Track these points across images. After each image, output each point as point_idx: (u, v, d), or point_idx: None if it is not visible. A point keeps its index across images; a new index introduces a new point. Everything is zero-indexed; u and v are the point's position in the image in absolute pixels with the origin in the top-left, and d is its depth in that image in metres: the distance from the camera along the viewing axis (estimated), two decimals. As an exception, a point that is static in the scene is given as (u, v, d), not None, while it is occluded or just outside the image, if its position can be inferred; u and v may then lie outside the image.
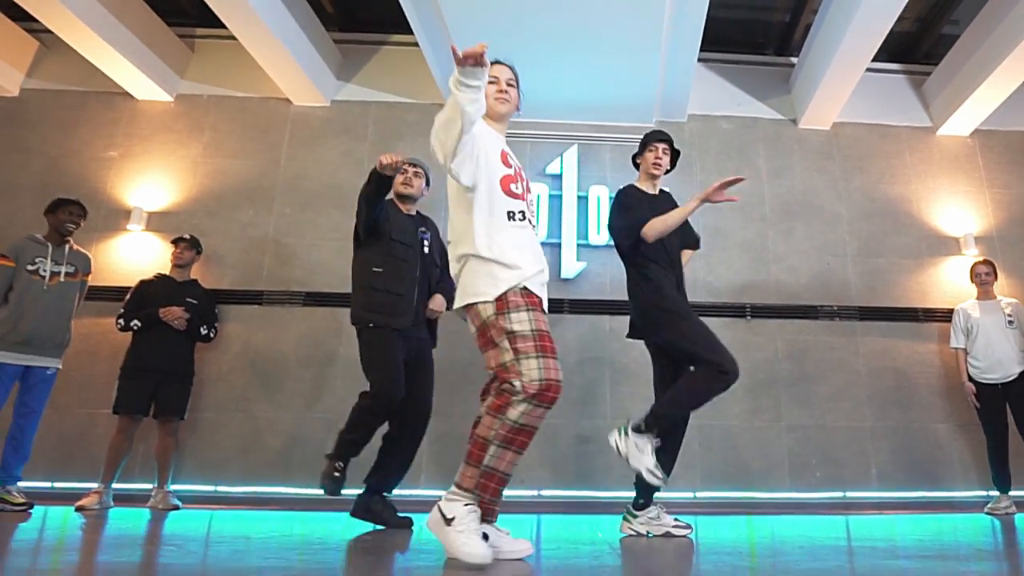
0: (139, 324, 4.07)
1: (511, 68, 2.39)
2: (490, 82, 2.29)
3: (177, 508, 3.99)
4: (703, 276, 4.90)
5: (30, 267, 3.83)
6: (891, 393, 4.79)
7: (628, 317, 3.11)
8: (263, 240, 4.83)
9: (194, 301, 4.27)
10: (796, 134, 5.30)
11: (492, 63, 2.25)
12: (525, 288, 2.14)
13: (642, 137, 3.26)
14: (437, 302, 3.36)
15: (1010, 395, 4.32)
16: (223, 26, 4.49)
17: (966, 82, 5.01)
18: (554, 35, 4.29)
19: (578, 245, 4.87)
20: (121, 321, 4.10)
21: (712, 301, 4.86)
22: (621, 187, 3.20)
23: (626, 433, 2.76)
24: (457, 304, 2.24)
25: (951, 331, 4.63)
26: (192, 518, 3.54)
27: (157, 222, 4.81)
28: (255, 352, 4.64)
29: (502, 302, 2.10)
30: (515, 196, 2.24)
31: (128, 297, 4.20)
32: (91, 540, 2.58)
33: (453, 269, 2.27)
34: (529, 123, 5.10)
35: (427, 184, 3.51)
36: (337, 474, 3.06)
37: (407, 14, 4.24)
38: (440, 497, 2.07)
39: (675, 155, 3.25)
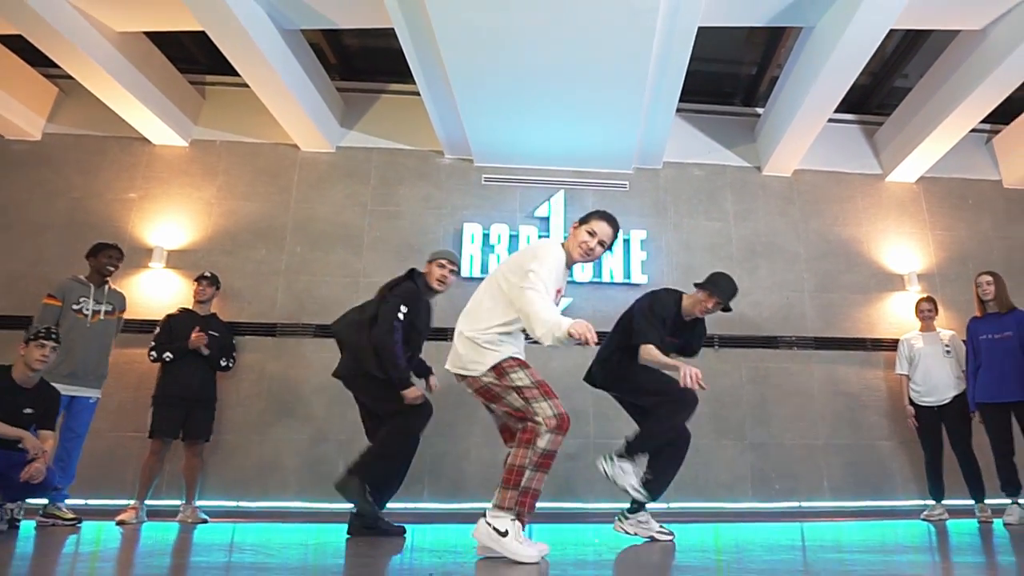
0: (171, 356, 4.58)
1: (615, 232, 2.95)
2: (590, 232, 2.88)
3: (205, 522, 4.52)
4: (676, 309, 5.56)
5: (75, 306, 4.37)
6: (842, 414, 5.50)
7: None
8: (276, 276, 5.39)
9: (215, 334, 4.79)
10: (760, 180, 5.99)
11: (598, 218, 2.90)
12: (511, 357, 2.76)
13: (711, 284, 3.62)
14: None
15: (945, 416, 4.98)
16: (232, 73, 4.97)
17: (914, 133, 5.68)
18: (548, 96, 4.89)
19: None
20: (154, 353, 4.61)
21: (684, 332, 5.52)
22: (665, 289, 3.75)
23: (611, 459, 3.35)
24: (453, 370, 2.83)
25: (896, 359, 5.31)
26: (218, 530, 3.99)
27: (176, 260, 5.33)
28: (270, 380, 5.19)
29: (498, 370, 2.72)
30: None
31: (157, 331, 4.72)
32: (132, 548, 3.05)
33: (458, 328, 2.87)
34: (520, 169, 5.72)
35: (458, 275, 4.09)
36: (369, 496, 3.55)
37: (411, 66, 4.74)
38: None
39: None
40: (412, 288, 3.78)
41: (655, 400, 3.45)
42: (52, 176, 5.46)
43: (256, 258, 5.41)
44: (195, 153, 5.63)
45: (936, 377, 5.04)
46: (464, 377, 2.81)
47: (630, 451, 3.35)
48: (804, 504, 5.26)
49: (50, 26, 4.28)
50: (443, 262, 3.88)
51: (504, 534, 2.54)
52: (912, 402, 5.15)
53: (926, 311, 5.27)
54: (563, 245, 2.93)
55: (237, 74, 4.93)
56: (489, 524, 2.57)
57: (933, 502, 4.98)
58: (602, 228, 2.91)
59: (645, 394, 3.52)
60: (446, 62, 4.46)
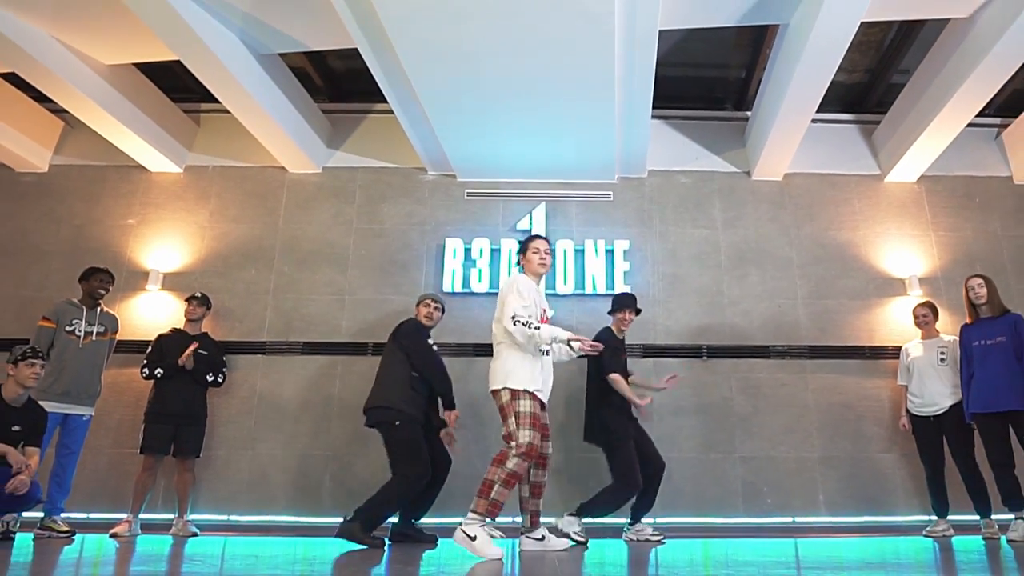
0: (162, 372, 4.96)
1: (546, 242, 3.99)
2: (535, 251, 3.89)
3: (196, 535, 4.82)
4: (663, 320, 5.72)
5: (68, 328, 4.81)
6: (839, 426, 5.52)
7: (590, 358, 4.52)
8: (265, 296, 5.78)
9: (205, 352, 5.16)
10: (750, 186, 6.09)
11: (536, 237, 3.99)
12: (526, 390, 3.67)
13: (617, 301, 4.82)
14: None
15: (944, 427, 4.95)
16: (225, 105, 5.38)
17: (910, 130, 5.66)
18: (517, 110, 5.08)
19: (546, 294, 5.69)
20: (145, 370, 4.99)
21: (670, 343, 5.68)
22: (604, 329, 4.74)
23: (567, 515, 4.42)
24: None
25: (898, 367, 5.33)
26: (209, 543, 4.24)
27: (171, 282, 5.78)
28: (260, 397, 5.55)
29: (516, 393, 3.63)
30: None
31: (149, 349, 5.11)
32: (127, 559, 3.27)
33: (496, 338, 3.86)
34: (501, 183, 5.98)
35: (443, 313, 4.87)
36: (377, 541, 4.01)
37: (380, 85, 5.01)
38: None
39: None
40: (414, 321, 4.63)
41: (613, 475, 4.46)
42: (57, 205, 5.99)
43: (246, 278, 5.80)
44: (189, 179, 6.09)
45: (929, 387, 5.03)
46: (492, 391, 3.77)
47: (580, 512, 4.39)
48: (798, 519, 5.30)
49: (39, 63, 4.74)
50: (428, 302, 4.71)
51: (473, 539, 3.37)
52: (911, 413, 5.14)
53: (921, 317, 5.25)
54: (524, 273, 3.92)
55: (224, 103, 5.33)
56: (463, 531, 3.42)
57: (936, 518, 4.96)
58: (539, 243, 3.94)
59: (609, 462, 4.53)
60: (412, 79, 4.68)
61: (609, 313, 4.80)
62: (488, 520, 3.50)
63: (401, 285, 5.75)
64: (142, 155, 5.86)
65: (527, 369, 3.70)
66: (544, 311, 3.88)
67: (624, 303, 4.73)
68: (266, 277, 5.82)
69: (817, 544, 4.40)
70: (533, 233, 4.09)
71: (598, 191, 6.02)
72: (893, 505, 5.36)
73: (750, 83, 6.11)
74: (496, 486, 3.48)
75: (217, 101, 5.33)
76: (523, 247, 3.99)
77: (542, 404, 3.80)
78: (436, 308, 4.72)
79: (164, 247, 5.88)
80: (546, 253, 3.91)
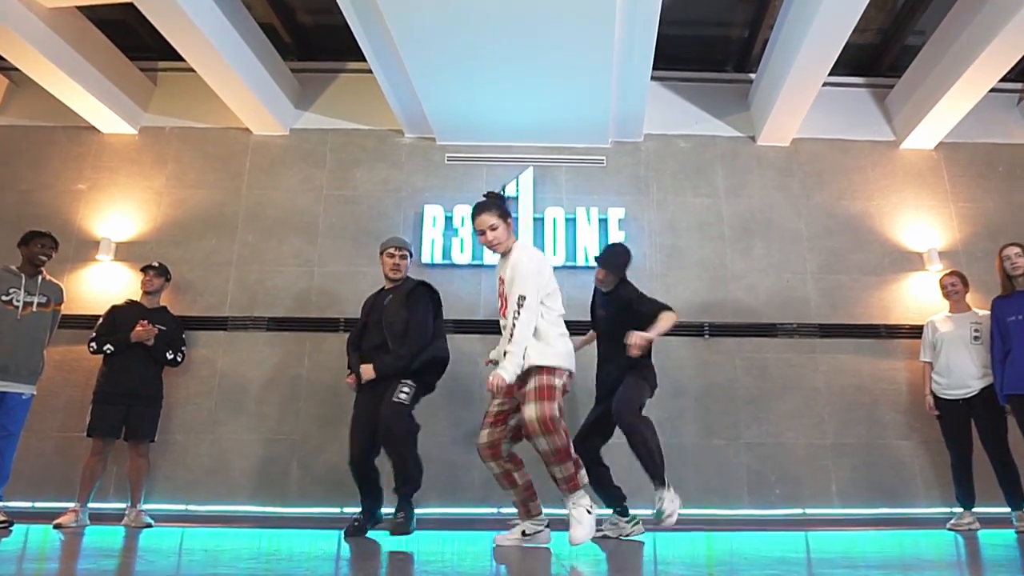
0: (112, 348, 4.59)
1: (488, 211, 3.40)
2: (479, 232, 3.42)
3: (150, 526, 4.50)
4: (660, 295, 5.25)
5: (4, 297, 4.39)
6: (852, 410, 5.17)
7: (582, 336, 4.34)
8: (226, 267, 5.39)
9: (163, 327, 4.79)
10: (755, 151, 5.73)
11: (473, 216, 3.43)
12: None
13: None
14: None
15: (973, 411, 4.61)
16: (185, 59, 5.00)
17: (928, 95, 5.35)
18: (505, 59, 4.69)
19: (535, 266, 5.33)
20: (93, 345, 4.62)
21: (670, 320, 5.28)
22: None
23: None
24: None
25: (921, 344, 4.97)
26: (164, 535, 3.96)
27: (125, 252, 5.38)
28: (221, 376, 5.18)
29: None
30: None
31: (100, 322, 4.74)
32: (70, 553, 2.98)
33: None
34: (484, 146, 5.60)
35: (411, 256, 4.31)
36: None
37: (360, 43, 4.70)
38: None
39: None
40: (368, 297, 4.30)
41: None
42: (1, 169, 5.57)
43: (206, 248, 5.42)
44: (144, 141, 5.69)
45: (958, 367, 4.68)
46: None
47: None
48: (808, 511, 4.96)
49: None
50: (391, 251, 4.16)
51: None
52: (935, 395, 4.79)
53: (950, 287, 4.88)
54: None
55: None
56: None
57: (961, 509, 4.65)
58: (477, 221, 3.42)
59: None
60: (388, 22, 4.30)
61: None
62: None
63: (375, 256, 5.19)
64: (93, 115, 5.45)
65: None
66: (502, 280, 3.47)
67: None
68: (228, 247, 5.42)
69: (829, 538, 4.11)
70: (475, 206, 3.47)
71: (590, 156, 5.64)
72: (912, 496, 5.03)
73: (754, 43, 5.76)
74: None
75: (176, 59, 4.96)
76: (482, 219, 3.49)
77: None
78: (403, 256, 4.19)
79: (117, 214, 5.48)
80: (490, 229, 3.39)
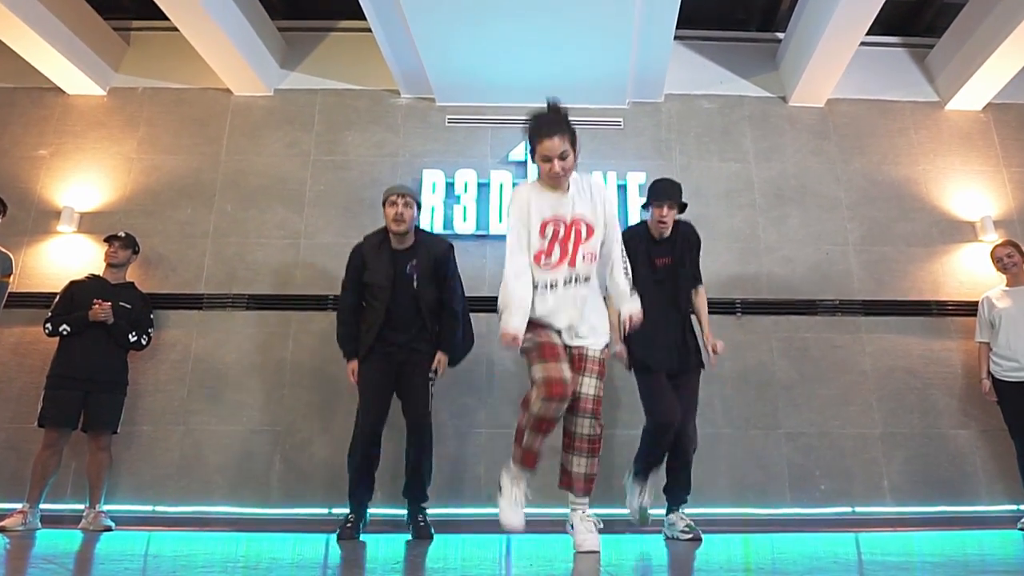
0: (68, 329, 4.12)
1: (561, 133, 2.65)
2: (543, 160, 2.66)
3: (110, 529, 4.01)
4: (687, 269, 4.83)
5: (-65, 267, 3.89)
6: (903, 396, 4.70)
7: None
8: (203, 239, 4.90)
9: (128, 305, 4.31)
10: (786, 112, 5.29)
11: (541, 133, 2.64)
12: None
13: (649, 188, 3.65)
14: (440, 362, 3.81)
15: None
16: (160, 17, 4.62)
17: (975, 53, 4.97)
18: (516, 14, 4.31)
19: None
20: (48, 326, 4.16)
21: (697, 296, 4.78)
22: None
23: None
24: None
25: (976, 323, 4.54)
26: (127, 539, 3.56)
27: (90, 223, 4.89)
28: (196, 360, 4.68)
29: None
30: (546, 268, 2.75)
31: (57, 299, 4.27)
32: (16, 561, 2.57)
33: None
34: (488, 107, 5.15)
35: (419, 208, 3.84)
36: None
37: None
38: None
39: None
40: (356, 248, 3.86)
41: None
42: (-45, 134, 5.10)
43: (181, 219, 4.93)
44: (114, 103, 5.22)
45: (1021, 345, 4.25)
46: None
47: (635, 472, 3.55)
48: (858, 510, 4.47)
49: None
50: (393, 198, 3.69)
51: (500, 491, 2.78)
52: (994, 378, 4.34)
53: (1007, 259, 4.46)
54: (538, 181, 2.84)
55: (164, 17, 4.55)
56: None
57: None
58: (546, 144, 2.64)
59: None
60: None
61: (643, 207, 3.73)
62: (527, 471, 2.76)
63: (367, 227, 4.71)
64: (58, 74, 4.99)
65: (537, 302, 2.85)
66: (546, 223, 2.73)
67: (651, 194, 3.57)
68: (205, 218, 4.93)
69: (882, 539, 3.70)
70: (534, 128, 2.69)
71: (607, 118, 5.18)
72: (973, 492, 4.52)
73: (780, 2, 5.34)
74: (526, 433, 2.69)
75: (151, 18, 4.53)
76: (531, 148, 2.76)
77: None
78: (407, 204, 3.67)
79: (82, 182, 4.99)
80: (557, 162, 2.64)
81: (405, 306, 3.66)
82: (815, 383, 4.68)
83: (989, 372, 4.38)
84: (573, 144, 2.68)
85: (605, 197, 2.83)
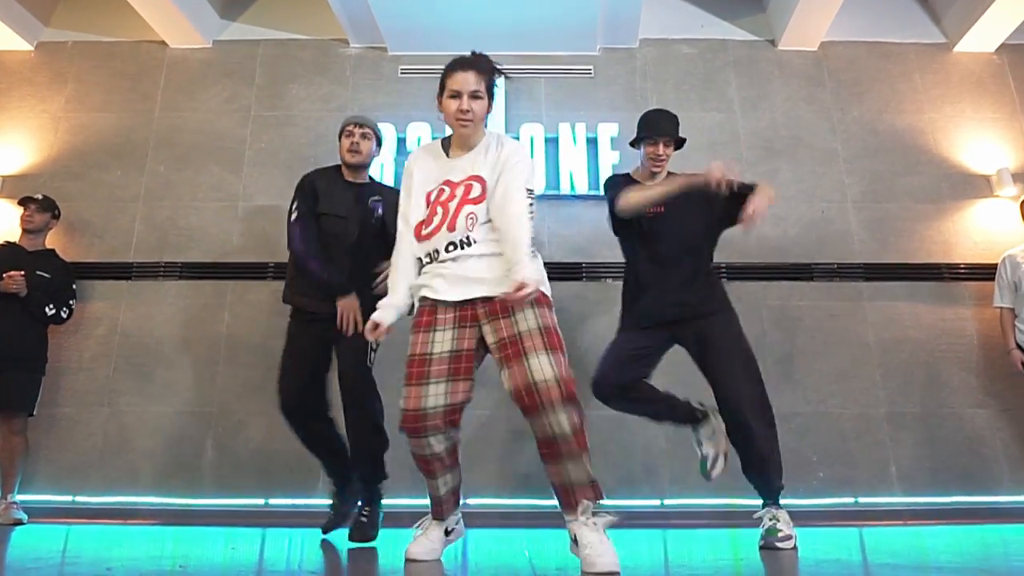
0: None
1: (479, 70, 2.23)
2: (451, 96, 2.22)
3: (22, 523, 3.74)
4: (665, 230, 4.37)
5: None
6: (911, 371, 4.24)
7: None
8: (133, 203, 4.54)
9: (46, 275, 3.98)
10: (775, 57, 4.83)
11: (455, 69, 2.23)
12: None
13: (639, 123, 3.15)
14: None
15: None
16: None
17: (987, -13, 4.50)
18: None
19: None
20: None
21: (678, 260, 4.33)
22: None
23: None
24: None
25: (995, 286, 4.10)
26: (42, 533, 3.39)
27: (13, 187, 4.55)
28: (123, 336, 4.32)
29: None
30: (425, 238, 2.27)
31: None
32: None
33: None
34: (444, 56, 4.57)
35: (378, 144, 3.28)
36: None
37: None
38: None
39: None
40: (304, 177, 3.18)
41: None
42: None
43: (110, 182, 4.57)
44: (41, 58, 4.87)
45: None
46: None
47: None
48: (862, 500, 4.04)
49: None
50: (351, 128, 3.16)
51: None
52: (1020, 346, 3.94)
53: None
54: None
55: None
56: None
57: None
58: (459, 78, 2.21)
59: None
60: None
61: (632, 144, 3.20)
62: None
63: (313, 188, 4.46)
64: (-20, 28, 4.66)
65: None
66: (430, 195, 2.28)
67: (644, 128, 3.07)
68: (136, 180, 4.56)
69: (890, 534, 3.43)
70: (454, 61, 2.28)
71: (575, 65, 4.74)
72: (993, 480, 4.08)
73: (766, -62, 4.88)
74: None
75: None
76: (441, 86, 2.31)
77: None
78: (363, 136, 3.13)
79: (5, 143, 4.65)
80: (471, 96, 2.20)
81: (350, 254, 3.07)
82: (811, 357, 4.25)
83: (1018, 342, 3.93)
84: (490, 91, 2.24)
85: (511, 149, 2.25)
